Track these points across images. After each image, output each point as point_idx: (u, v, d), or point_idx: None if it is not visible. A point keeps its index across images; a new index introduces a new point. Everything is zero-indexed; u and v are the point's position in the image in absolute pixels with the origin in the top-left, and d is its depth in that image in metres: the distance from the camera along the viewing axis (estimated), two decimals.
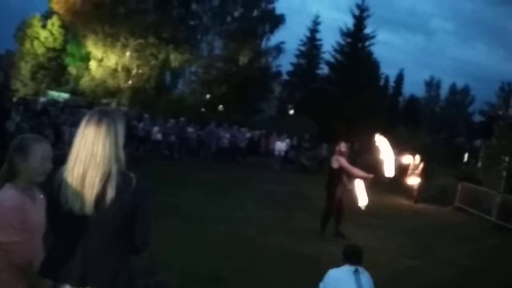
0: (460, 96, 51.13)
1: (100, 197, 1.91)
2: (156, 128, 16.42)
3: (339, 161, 7.43)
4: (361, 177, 7.56)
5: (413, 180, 13.50)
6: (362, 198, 7.72)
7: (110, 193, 1.90)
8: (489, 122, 18.09)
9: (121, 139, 2.02)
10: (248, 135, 20.14)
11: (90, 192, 1.91)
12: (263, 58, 29.75)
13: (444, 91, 52.04)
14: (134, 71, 25.67)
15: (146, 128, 16.33)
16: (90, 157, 1.93)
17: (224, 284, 4.81)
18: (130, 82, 25.65)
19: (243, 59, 27.47)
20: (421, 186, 13.39)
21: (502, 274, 6.98)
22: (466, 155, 18.00)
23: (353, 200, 7.75)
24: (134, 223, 1.99)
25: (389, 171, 7.77)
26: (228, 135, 18.08)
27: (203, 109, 26.88)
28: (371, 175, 7.46)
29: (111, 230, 1.96)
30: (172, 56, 25.03)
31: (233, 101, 26.56)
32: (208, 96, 28.24)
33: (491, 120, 15.59)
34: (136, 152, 14.64)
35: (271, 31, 29.33)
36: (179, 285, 4.54)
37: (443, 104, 51.72)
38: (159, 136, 16.28)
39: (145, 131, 16.20)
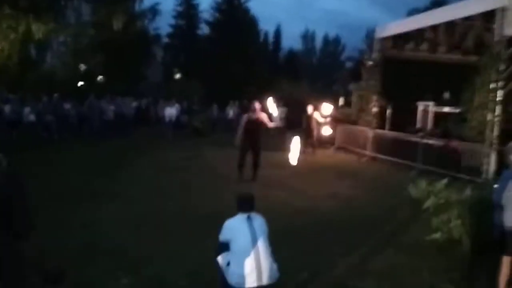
0: (332, 46, 54.91)
1: None
2: (27, 109, 14.85)
3: (259, 115, 8.97)
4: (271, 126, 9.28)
5: (326, 130, 14.31)
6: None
7: None
8: (358, 67, 19.88)
9: None
10: (135, 104, 19.38)
11: None
12: (138, 21, 28.23)
13: (318, 43, 55.39)
14: None
15: (15, 110, 14.64)
16: None
17: (126, 255, 4.78)
18: None
19: (116, 24, 25.72)
20: (314, 134, 14.20)
21: (376, 198, 8.03)
22: (341, 100, 19.70)
23: None
24: (11, 209, 1.88)
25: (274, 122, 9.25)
26: (112, 107, 17.15)
27: (80, 82, 24.87)
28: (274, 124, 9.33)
29: None
30: (34, 27, 22.28)
31: (113, 70, 24.98)
32: (83, 67, 26.11)
33: (360, 64, 17.12)
34: (8, 137, 13.18)
35: None
36: (80, 264, 4.39)
37: (319, 55, 55.11)
38: (32, 117, 14.78)
39: (15, 113, 14.54)
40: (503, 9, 9.27)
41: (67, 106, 16.31)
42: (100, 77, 26.44)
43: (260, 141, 9.19)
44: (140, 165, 10.41)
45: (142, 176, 9.22)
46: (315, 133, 14.08)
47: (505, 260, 4.02)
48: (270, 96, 9.67)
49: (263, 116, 9.16)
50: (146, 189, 8.04)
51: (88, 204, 6.77)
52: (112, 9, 25.27)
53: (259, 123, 9.10)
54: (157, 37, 31.26)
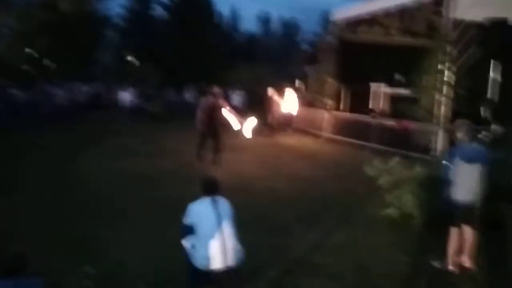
0: (289, 29, 55.13)
1: None
2: None
3: (219, 102, 9.06)
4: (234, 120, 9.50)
5: (289, 109, 14.28)
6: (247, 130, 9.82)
7: None
8: (314, 50, 20.17)
9: None
10: (87, 89, 18.69)
11: None
12: (88, 2, 26.93)
13: (275, 25, 55.40)
14: None
15: None
16: None
17: (89, 242, 4.70)
18: None
19: (63, 5, 24.42)
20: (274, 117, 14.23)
21: (333, 178, 8.30)
22: (298, 82, 19.92)
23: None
24: None
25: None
26: (63, 92, 16.45)
27: (27, 67, 23.54)
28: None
29: None
30: None
31: (62, 54, 23.79)
32: (30, 51, 24.68)
33: (316, 48, 17.38)
34: None
35: None
36: (43, 251, 4.28)
37: (276, 37, 55.19)
38: None
39: None
40: None
41: (15, 92, 15.47)
42: (48, 62, 25.16)
43: (220, 125, 9.19)
44: (97, 152, 10.08)
45: (100, 162, 8.94)
46: (274, 115, 14.21)
47: (454, 231, 4.32)
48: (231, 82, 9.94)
49: (224, 103, 9.20)
50: (105, 175, 7.82)
51: (48, 191, 6.54)
52: None
53: (219, 108, 9.09)
54: (110, 19, 30.06)
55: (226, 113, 9.36)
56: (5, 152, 9.64)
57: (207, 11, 33.97)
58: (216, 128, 9.09)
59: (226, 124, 9.55)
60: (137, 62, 29.95)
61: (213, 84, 9.65)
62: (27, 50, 24.62)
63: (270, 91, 14.25)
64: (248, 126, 9.91)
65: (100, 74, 25.76)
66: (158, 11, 34.46)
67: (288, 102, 14.48)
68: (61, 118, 15.39)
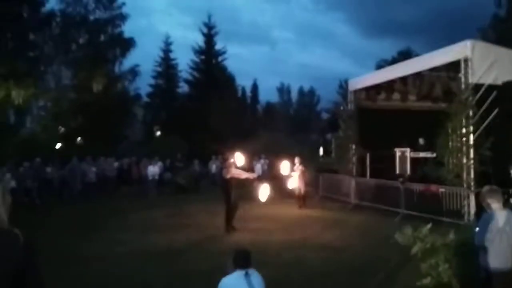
0: (308, 98, 56.68)
1: None
2: (7, 175, 14.62)
3: (230, 171, 9.36)
4: (248, 177, 9.80)
5: (293, 183, 13.72)
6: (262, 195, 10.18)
7: None
8: (334, 117, 20.60)
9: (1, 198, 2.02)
10: (116, 164, 19.31)
11: None
12: (119, 83, 28.76)
13: (294, 95, 57.17)
14: None
15: None
16: None
17: None
18: None
19: (96, 87, 26.12)
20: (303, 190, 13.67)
21: (364, 247, 8.11)
22: (321, 149, 20.12)
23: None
24: (26, 280, 1.95)
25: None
26: (93, 169, 17.06)
27: (59, 145, 24.72)
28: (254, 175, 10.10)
29: None
30: (13, 93, 22.48)
31: (94, 132, 25.03)
32: (63, 130, 26.08)
33: (336, 115, 17.77)
34: None
35: (123, 54, 28.58)
36: None
37: (295, 106, 56.69)
38: (13, 183, 14.53)
39: None
40: (466, 60, 10.01)
41: (49, 169, 16.17)
42: (79, 139, 26.39)
43: (227, 195, 9.51)
44: (124, 227, 10.22)
45: (126, 237, 9.03)
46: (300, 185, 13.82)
47: None
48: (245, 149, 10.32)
49: (231, 171, 9.50)
50: (131, 251, 7.85)
51: (72, 269, 6.60)
52: (92, 72, 25.74)
53: (227, 179, 9.52)
54: (137, 97, 31.80)
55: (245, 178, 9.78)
56: (34, 227, 9.89)
57: (230, 85, 35.61)
58: (224, 198, 9.48)
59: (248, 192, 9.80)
60: (163, 136, 31.09)
61: (227, 155, 10.13)
62: (60, 129, 26.06)
63: (297, 161, 13.96)
64: (263, 192, 10.22)
65: (129, 149, 26.70)
66: (183, 87, 36.34)
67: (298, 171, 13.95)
68: (91, 194, 15.86)
